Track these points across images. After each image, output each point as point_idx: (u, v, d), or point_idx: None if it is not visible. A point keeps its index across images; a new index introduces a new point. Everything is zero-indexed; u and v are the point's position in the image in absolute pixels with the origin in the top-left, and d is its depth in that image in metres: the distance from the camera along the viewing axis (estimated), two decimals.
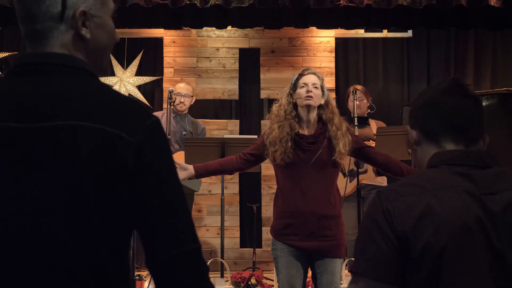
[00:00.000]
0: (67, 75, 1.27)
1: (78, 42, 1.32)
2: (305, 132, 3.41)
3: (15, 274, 1.19)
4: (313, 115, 3.40)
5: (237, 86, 7.02)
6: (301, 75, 3.46)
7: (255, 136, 5.76)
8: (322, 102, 3.42)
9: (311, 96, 3.35)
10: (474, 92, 1.65)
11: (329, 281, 3.31)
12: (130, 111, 1.26)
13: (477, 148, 1.59)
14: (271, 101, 7.15)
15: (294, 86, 3.45)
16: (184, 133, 5.70)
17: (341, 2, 5.86)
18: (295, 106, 3.42)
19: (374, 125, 5.62)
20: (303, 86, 3.40)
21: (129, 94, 7.39)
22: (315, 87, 3.38)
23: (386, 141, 4.66)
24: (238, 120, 7.06)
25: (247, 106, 7.32)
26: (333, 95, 6.07)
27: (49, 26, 1.30)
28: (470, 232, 1.46)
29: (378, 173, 5.22)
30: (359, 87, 5.62)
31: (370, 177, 5.18)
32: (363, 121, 5.47)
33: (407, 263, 1.46)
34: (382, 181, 5.34)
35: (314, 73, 3.45)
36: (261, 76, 7.01)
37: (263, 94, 7.03)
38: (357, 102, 5.35)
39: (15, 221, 1.19)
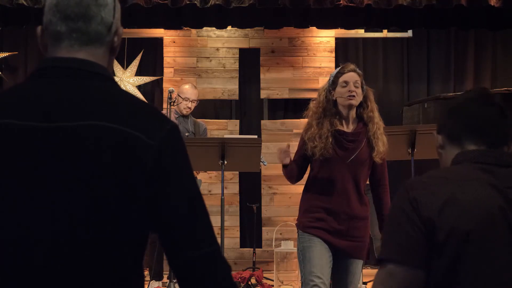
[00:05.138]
0: (88, 79, 1.28)
1: (106, 55, 1.34)
2: (345, 129, 3.35)
3: (34, 274, 1.19)
4: (353, 112, 3.36)
5: (237, 86, 7.02)
6: (341, 72, 3.37)
7: (255, 136, 5.76)
8: (361, 98, 3.37)
9: (353, 96, 3.30)
10: (500, 101, 1.70)
11: (349, 281, 3.29)
12: (150, 115, 1.28)
13: (500, 149, 1.63)
14: (271, 101, 7.16)
15: (334, 84, 3.36)
16: (186, 134, 5.70)
17: (341, 2, 5.86)
18: (334, 103, 3.35)
19: None
20: (344, 85, 3.32)
21: None
22: (356, 86, 3.33)
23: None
24: (238, 120, 7.06)
25: (247, 106, 7.32)
26: None
27: (101, 32, 1.31)
28: (494, 220, 1.49)
29: None
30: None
31: None
32: None
33: (432, 248, 1.50)
34: None
35: (354, 70, 3.38)
36: (261, 76, 7.01)
37: (263, 94, 7.03)
38: None
39: (35, 221, 1.19)
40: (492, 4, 5.89)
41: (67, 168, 1.19)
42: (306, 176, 3.56)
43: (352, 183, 3.30)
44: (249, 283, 5.32)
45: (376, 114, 3.38)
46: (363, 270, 5.20)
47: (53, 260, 1.18)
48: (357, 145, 3.30)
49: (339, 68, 3.43)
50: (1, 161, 1.20)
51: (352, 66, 3.41)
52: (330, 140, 3.25)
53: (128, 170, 1.20)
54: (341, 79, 3.34)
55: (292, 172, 3.41)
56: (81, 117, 1.22)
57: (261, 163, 5.04)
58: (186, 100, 5.57)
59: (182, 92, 5.59)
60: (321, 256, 3.22)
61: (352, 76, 3.34)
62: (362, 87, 3.37)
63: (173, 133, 1.27)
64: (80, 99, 1.24)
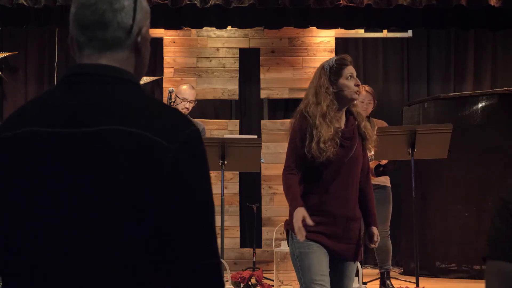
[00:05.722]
0: (109, 84, 1.29)
1: (131, 56, 1.34)
2: (340, 125, 3.09)
3: (60, 275, 1.22)
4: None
5: (237, 86, 7.02)
6: (345, 64, 3.11)
7: (255, 136, 5.76)
8: None
9: (359, 92, 3.10)
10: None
11: (345, 285, 3.11)
12: (171, 119, 1.27)
13: None
14: (271, 101, 7.17)
15: (337, 74, 3.07)
16: None
17: (341, 2, 5.87)
18: (335, 96, 3.05)
19: (375, 125, 5.57)
20: (350, 77, 3.07)
21: None
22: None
23: (386, 141, 4.66)
24: (238, 120, 7.06)
25: (247, 106, 7.32)
26: None
27: (119, 36, 1.31)
28: None
29: (377, 174, 5.20)
30: (368, 88, 5.47)
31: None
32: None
33: None
34: (386, 180, 5.31)
35: (352, 62, 3.18)
36: (261, 76, 7.01)
37: (263, 94, 7.04)
38: (365, 106, 5.28)
39: (61, 223, 1.21)
40: (492, 4, 5.89)
41: (88, 172, 1.22)
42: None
43: (351, 183, 3.08)
44: (249, 283, 5.32)
45: (357, 104, 3.23)
46: (363, 270, 5.20)
47: (73, 258, 1.21)
48: (353, 142, 3.07)
49: (340, 58, 3.17)
50: (31, 167, 1.23)
51: (351, 58, 3.21)
52: (338, 141, 2.98)
53: (145, 174, 1.21)
54: (346, 71, 3.08)
55: (296, 188, 3.06)
56: (102, 122, 1.23)
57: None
58: (184, 101, 5.57)
59: (179, 93, 5.59)
60: (321, 262, 3.00)
61: (354, 69, 3.14)
62: None
63: (193, 137, 1.27)
64: (101, 104, 1.26)
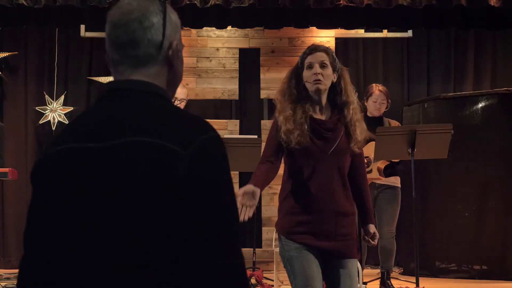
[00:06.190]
0: (137, 98, 1.35)
1: (163, 70, 1.40)
2: (320, 116, 2.96)
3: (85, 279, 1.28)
4: (324, 98, 2.96)
5: (237, 86, 7.02)
6: (306, 53, 2.98)
7: (255, 136, 5.76)
8: (334, 79, 2.96)
9: (319, 80, 2.90)
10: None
11: (347, 285, 2.91)
12: (187, 126, 1.30)
13: None
14: (271, 101, 7.14)
15: (301, 67, 2.98)
16: None
17: (341, 2, 5.87)
18: (305, 87, 2.96)
19: (389, 125, 5.53)
20: (309, 67, 2.93)
21: None
22: (323, 66, 2.92)
23: (386, 141, 4.66)
24: (238, 120, 7.06)
25: (247, 106, 7.32)
26: None
27: (150, 53, 1.37)
28: None
29: (386, 174, 5.17)
30: (381, 87, 5.37)
31: (374, 177, 5.14)
32: (379, 121, 5.35)
33: None
34: (396, 181, 5.29)
35: (322, 49, 2.97)
36: (261, 76, 7.01)
37: (263, 94, 7.04)
38: (378, 106, 5.25)
39: (89, 236, 1.28)
40: (492, 4, 5.89)
41: (108, 183, 1.28)
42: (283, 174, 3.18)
43: (337, 177, 2.92)
44: (249, 283, 5.32)
45: (352, 98, 2.98)
46: (364, 270, 5.20)
47: (99, 258, 1.27)
48: (337, 134, 2.91)
49: (305, 49, 3.05)
50: (67, 182, 1.31)
51: (320, 45, 3.02)
52: (306, 127, 2.87)
53: (160, 182, 1.25)
54: (306, 61, 2.95)
55: (258, 171, 2.97)
56: (126, 134, 1.29)
57: None
58: (175, 100, 5.59)
59: None
60: (310, 266, 2.88)
61: (318, 56, 2.93)
62: (334, 67, 2.96)
63: (209, 142, 1.29)
64: (127, 117, 1.32)
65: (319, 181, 2.90)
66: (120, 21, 1.36)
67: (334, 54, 3.01)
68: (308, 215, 2.90)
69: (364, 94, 5.47)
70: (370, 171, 5.10)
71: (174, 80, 1.44)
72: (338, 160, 2.92)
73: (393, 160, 5.11)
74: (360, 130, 2.93)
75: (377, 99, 5.22)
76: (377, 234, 3.04)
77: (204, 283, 1.25)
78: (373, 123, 5.06)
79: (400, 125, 5.45)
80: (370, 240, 3.02)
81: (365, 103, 5.30)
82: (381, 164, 5.08)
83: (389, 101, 5.38)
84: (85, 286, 1.27)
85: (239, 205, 2.78)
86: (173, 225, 1.25)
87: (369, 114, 5.27)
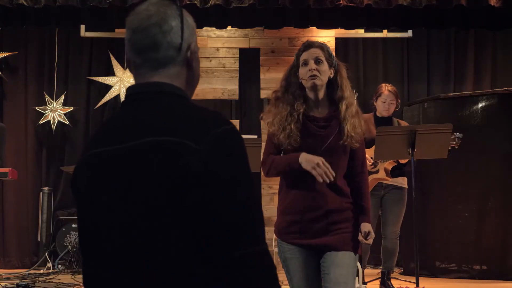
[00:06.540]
0: (158, 98, 1.40)
1: (182, 71, 1.46)
2: (317, 114, 2.93)
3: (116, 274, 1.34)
4: (322, 94, 2.92)
5: (237, 86, 7.03)
6: (301, 50, 2.95)
7: (255, 136, 5.76)
8: (331, 75, 2.93)
9: (315, 75, 2.87)
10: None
11: (337, 273, 2.80)
12: (201, 121, 1.34)
13: None
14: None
15: (297, 65, 2.95)
16: None
17: (341, 2, 5.86)
18: (301, 85, 2.93)
19: (397, 125, 5.50)
20: (305, 64, 2.91)
21: None
22: (319, 62, 2.89)
23: (386, 141, 4.66)
24: (238, 120, 7.06)
25: (247, 106, 7.32)
26: None
27: (170, 55, 1.43)
28: None
29: (393, 175, 5.14)
30: (390, 87, 5.31)
31: (381, 177, 5.12)
32: (388, 121, 5.32)
33: None
34: (403, 182, 5.27)
35: (316, 45, 2.94)
36: (261, 76, 7.01)
37: (263, 94, 7.04)
38: (387, 106, 5.21)
39: (119, 236, 1.34)
40: (492, 4, 5.89)
41: (133, 183, 1.32)
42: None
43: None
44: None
45: (348, 94, 2.93)
46: (365, 270, 5.20)
47: (129, 255, 1.32)
48: (330, 131, 2.88)
49: (301, 45, 3.02)
50: (97, 186, 1.38)
51: (314, 41, 2.98)
52: (292, 127, 2.84)
53: (176, 178, 1.28)
54: (301, 58, 2.93)
55: (280, 156, 2.96)
56: (146, 135, 1.33)
57: None
58: None
59: None
60: (305, 266, 2.86)
61: (312, 52, 2.90)
62: (330, 63, 2.93)
63: (224, 136, 1.31)
64: (148, 118, 1.37)
65: (308, 180, 2.83)
66: (140, 26, 1.42)
67: (329, 50, 2.97)
68: (299, 215, 2.87)
69: (365, 94, 5.47)
70: (377, 172, 5.09)
71: (192, 80, 1.49)
72: (332, 157, 2.85)
73: (400, 161, 5.09)
74: (353, 125, 2.86)
75: (386, 99, 5.19)
76: (372, 233, 2.95)
77: (230, 274, 1.28)
78: (382, 123, 5.06)
79: (408, 124, 5.41)
80: (364, 240, 2.93)
81: (374, 103, 5.28)
82: (388, 165, 5.07)
83: (399, 101, 5.35)
84: (121, 286, 1.33)
85: (324, 169, 2.75)
86: (195, 220, 1.28)
87: (378, 114, 5.24)
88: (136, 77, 1.46)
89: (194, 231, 1.28)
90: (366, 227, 2.94)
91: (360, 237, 2.94)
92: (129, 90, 1.46)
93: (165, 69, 1.43)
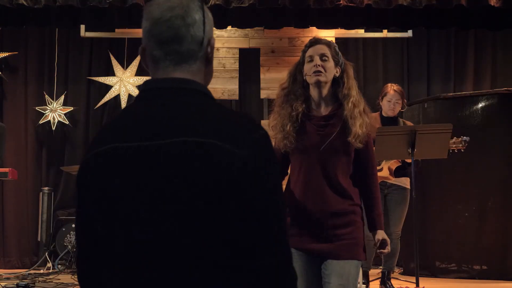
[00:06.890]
0: (182, 96, 1.35)
1: (202, 66, 1.41)
2: (318, 112, 2.84)
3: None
4: (325, 91, 2.83)
5: (237, 86, 7.02)
6: (307, 46, 2.88)
7: None
8: (337, 74, 2.84)
9: (319, 71, 2.78)
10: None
11: (338, 284, 2.68)
12: (238, 125, 1.31)
13: None
14: (271, 101, 7.15)
15: (302, 62, 2.88)
16: None
17: (341, 2, 5.86)
18: (305, 83, 2.86)
19: (402, 124, 5.48)
20: (310, 60, 2.83)
21: (129, 94, 7.40)
22: (324, 59, 2.81)
23: (386, 141, 4.65)
24: None
25: (247, 106, 7.32)
26: None
27: (193, 50, 1.37)
28: None
29: (397, 175, 5.13)
30: (396, 87, 5.29)
31: (385, 176, 5.11)
32: (393, 121, 5.31)
33: None
34: (406, 182, 5.26)
35: (323, 42, 2.87)
36: (261, 76, 7.01)
37: (263, 94, 7.04)
38: (392, 106, 5.19)
39: (141, 233, 1.29)
40: (492, 4, 5.89)
41: (162, 182, 1.27)
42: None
43: (330, 175, 2.76)
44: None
45: (354, 92, 2.83)
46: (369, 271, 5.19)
47: (155, 257, 1.28)
48: (331, 129, 2.78)
49: (308, 41, 2.95)
50: (117, 181, 1.30)
51: (321, 38, 2.92)
52: (289, 127, 2.77)
53: (215, 181, 1.25)
54: (307, 54, 2.85)
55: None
56: (175, 134, 1.28)
57: None
58: None
59: None
60: (307, 272, 2.75)
61: (318, 49, 2.83)
62: (336, 61, 2.85)
63: (260, 141, 1.31)
64: (175, 116, 1.31)
65: (308, 181, 2.77)
66: (163, 17, 1.37)
67: (336, 48, 2.90)
68: (297, 217, 2.77)
69: (365, 94, 5.44)
70: (381, 170, 5.09)
71: (209, 76, 1.45)
72: (330, 157, 2.77)
73: (406, 160, 5.08)
74: (360, 124, 2.75)
75: (392, 99, 5.18)
76: (388, 240, 2.81)
77: (257, 281, 1.27)
78: (388, 123, 5.05)
79: (413, 125, 5.40)
80: (380, 251, 2.81)
81: (380, 103, 5.27)
82: (393, 165, 5.05)
83: (405, 101, 5.33)
84: (142, 285, 1.29)
85: None
86: (229, 226, 1.26)
87: (383, 114, 5.23)
88: (154, 71, 1.40)
89: (226, 236, 1.26)
90: (380, 234, 2.81)
91: (377, 249, 2.83)
92: (149, 84, 1.39)
93: (187, 65, 1.37)
